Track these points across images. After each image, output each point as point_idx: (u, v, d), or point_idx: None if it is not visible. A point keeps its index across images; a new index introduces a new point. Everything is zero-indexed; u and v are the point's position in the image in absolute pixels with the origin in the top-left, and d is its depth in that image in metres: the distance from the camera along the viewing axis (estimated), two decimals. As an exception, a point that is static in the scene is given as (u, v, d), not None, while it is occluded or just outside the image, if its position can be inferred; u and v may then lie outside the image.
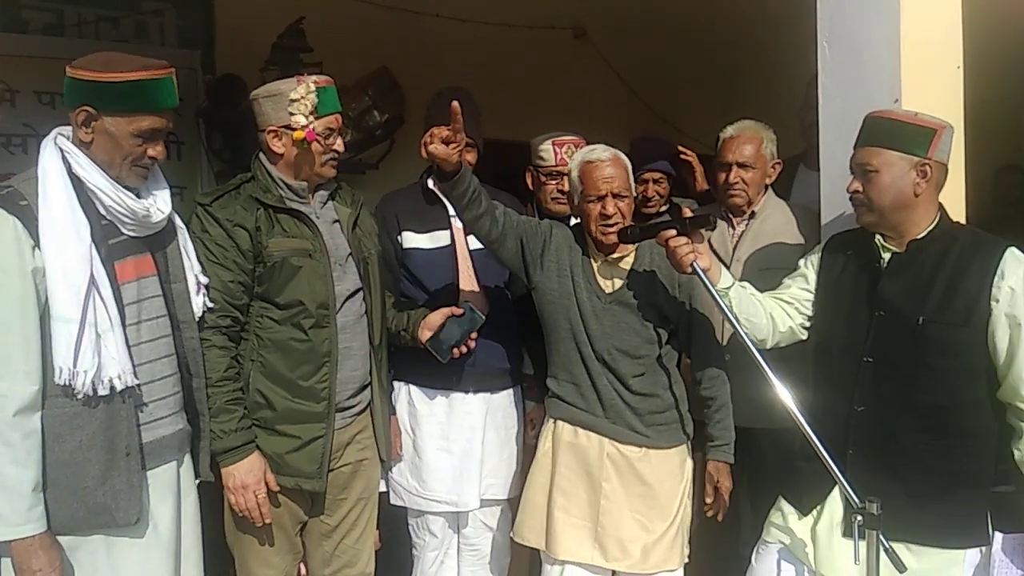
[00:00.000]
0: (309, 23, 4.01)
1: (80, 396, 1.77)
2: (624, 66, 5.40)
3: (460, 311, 2.42)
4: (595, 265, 2.40)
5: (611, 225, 2.32)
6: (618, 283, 2.38)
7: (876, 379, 2.06)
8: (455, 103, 2.11)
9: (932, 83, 2.32)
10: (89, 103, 1.81)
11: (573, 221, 2.58)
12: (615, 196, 2.31)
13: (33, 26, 3.85)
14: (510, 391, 2.72)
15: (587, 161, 2.35)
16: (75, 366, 1.75)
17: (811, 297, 2.25)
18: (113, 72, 1.80)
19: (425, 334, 2.41)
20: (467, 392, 2.62)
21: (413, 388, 2.64)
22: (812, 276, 2.26)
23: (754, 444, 2.66)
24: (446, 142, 2.10)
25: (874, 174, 2.04)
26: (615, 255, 2.39)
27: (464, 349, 2.41)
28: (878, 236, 2.11)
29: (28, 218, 1.75)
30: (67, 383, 1.75)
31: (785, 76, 4.00)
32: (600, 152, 2.37)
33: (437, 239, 2.63)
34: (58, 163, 1.82)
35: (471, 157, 2.61)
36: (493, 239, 2.34)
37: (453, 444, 2.62)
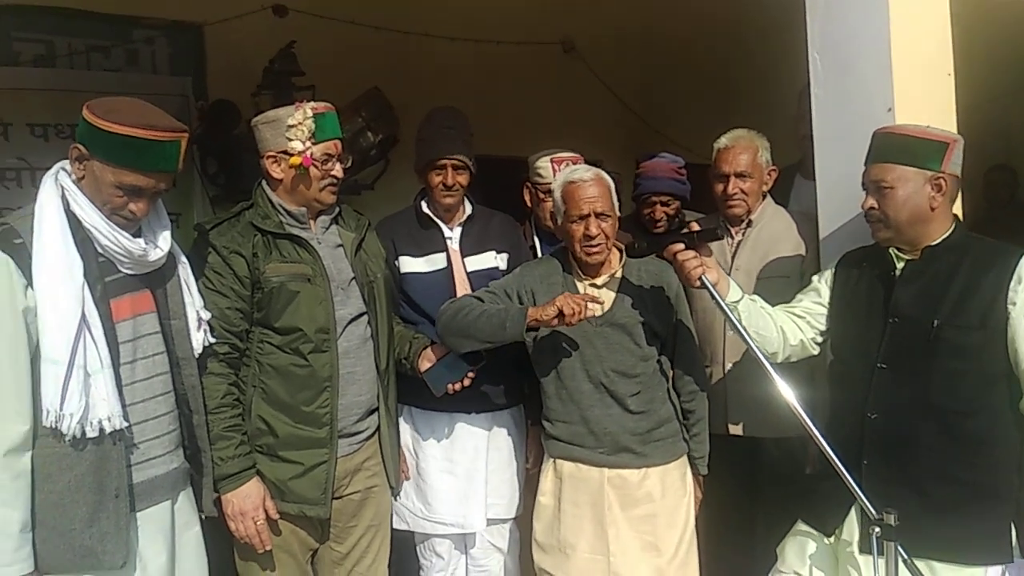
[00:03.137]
0: (300, 47, 4.03)
1: (68, 437, 1.75)
2: (614, 79, 5.42)
3: None
4: (582, 289, 2.39)
5: (594, 246, 2.32)
6: (607, 304, 2.37)
7: (890, 385, 2.05)
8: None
9: (924, 91, 2.34)
10: (83, 142, 1.81)
11: None
12: (598, 216, 2.31)
13: (24, 58, 3.86)
14: (512, 411, 2.70)
15: (569, 181, 2.35)
16: (61, 408, 1.73)
17: (824, 311, 2.25)
18: (109, 121, 1.77)
19: (424, 365, 2.40)
20: (469, 413, 2.61)
21: (415, 410, 2.63)
22: (825, 290, 2.25)
23: (763, 453, 2.66)
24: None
25: (889, 190, 2.03)
26: (602, 276, 2.38)
27: (459, 386, 2.39)
28: (893, 248, 2.11)
29: (22, 257, 1.74)
30: (54, 425, 1.74)
31: (777, 84, 4.03)
32: (582, 172, 2.36)
33: (433, 262, 2.62)
34: (56, 200, 1.80)
35: (463, 179, 2.61)
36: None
37: (457, 466, 2.61)
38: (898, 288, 2.08)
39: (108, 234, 1.83)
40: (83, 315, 1.76)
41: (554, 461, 2.42)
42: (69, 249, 1.78)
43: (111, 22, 3.97)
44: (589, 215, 2.30)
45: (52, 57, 3.90)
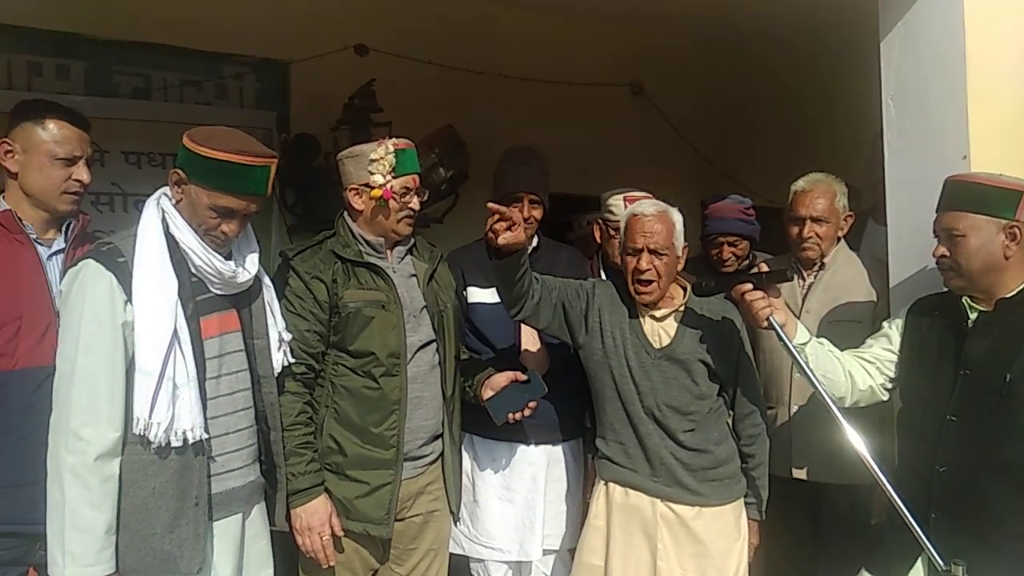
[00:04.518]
0: (379, 84, 4.17)
1: (154, 445, 1.85)
2: (682, 121, 5.46)
3: (524, 378, 2.44)
4: (643, 320, 2.40)
5: (645, 282, 2.32)
6: (667, 339, 2.38)
7: (960, 438, 2.01)
8: (490, 205, 2.19)
9: (1001, 138, 2.32)
10: (182, 168, 1.94)
11: None
12: (652, 252, 2.31)
13: (123, 90, 4.08)
14: (571, 443, 2.73)
15: (633, 214, 2.38)
16: (150, 417, 1.83)
17: (894, 358, 2.23)
18: (206, 147, 1.90)
19: (486, 393, 2.44)
20: (528, 444, 2.65)
21: (476, 438, 2.68)
22: (896, 337, 2.24)
23: (828, 499, 2.62)
24: (510, 228, 2.15)
25: (961, 239, 2.02)
26: (663, 310, 2.39)
27: (519, 416, 2.42)
28: (966, 297, 2.09)
29: (123, 274, 1.86)
30: (142, 433, 1.84)
31: (849, 129, 4.01)
32: (646, 207, 2.38)
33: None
34: (157, 223, 1.93)
35: (537, 213, 2.68)
36: (528, 313, 2.38)
37: (515, 494, 2.64)
38: (970, 339, 2.05)
39: (202, 255, 1.94)
40: (175, 331, 1.87)
41: (606, 486, 2.43)
42: (166, 268, 1.89)
43: (204, 58, 4.17)
44: (642, 249, 2.31)
45: (148, 90, 4.12)
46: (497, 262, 2.27)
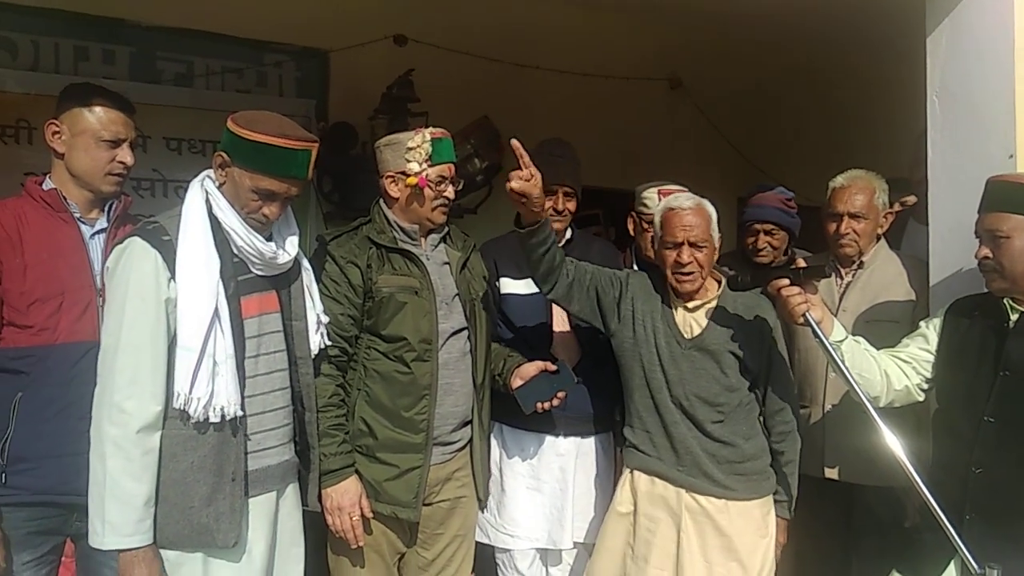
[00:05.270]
0: (417, 75, 4.20)
1: (194, 420, 1.89)
2: (720, 116, 5.42)
3: (554, 368, 2.45)
4: (675, 310, 2.41)
5: (686, 274, 2.32)
6: (697, 329, 2.37)
7: (997, 439, 1.99)
8: (514, 142, 2.22)
9: (1049, 137, 2.28)
10: (226, 151, 1.97)
11: None
12: (692, 245, 2.31)
13: (166, 76, 4.15)
14: (601, 436, 2.73)
15: (669, 208, 2.38)
16: (191, 392, 1.86)
17: (931, 358, 2.21)
18: (250, 130, 1.93)
19: (516, 382, 2.46)
20: (557, 435, 2.66)
21: (505, 428, 2.69)
22: (933, 337, 2.21)
23: (860, 500, 2.60)
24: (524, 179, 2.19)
25: (1004, 240, 2.00)
26: (696, 301, 2.39)
27: (548, 406, 2.43)
28: (1007, 298, 2.06)
29: (168, 252, 1.90)
30: (183, 407, 1.87)
31: (888, 127, 3.96)
32: (682, 200, 2.39)
33: (533, 285, 2.69)
34: (200, 204, 1.97)
35: (571, 205, 2.69)
36: (561, 294, 2.40)
37: (543, 484, 2.65)
38: (1010, 340, 2.02)
39: (244, 236, 1.97)
40: (216, 309, 1.90)
41: (631, 474, 2.43)
42: (209, 248, 1.93)
43: (247, 46, 4.22)
44: (683, 243, 2.32)
45: (191, 76, 4.19)
46: (519, 231, 2.30)
